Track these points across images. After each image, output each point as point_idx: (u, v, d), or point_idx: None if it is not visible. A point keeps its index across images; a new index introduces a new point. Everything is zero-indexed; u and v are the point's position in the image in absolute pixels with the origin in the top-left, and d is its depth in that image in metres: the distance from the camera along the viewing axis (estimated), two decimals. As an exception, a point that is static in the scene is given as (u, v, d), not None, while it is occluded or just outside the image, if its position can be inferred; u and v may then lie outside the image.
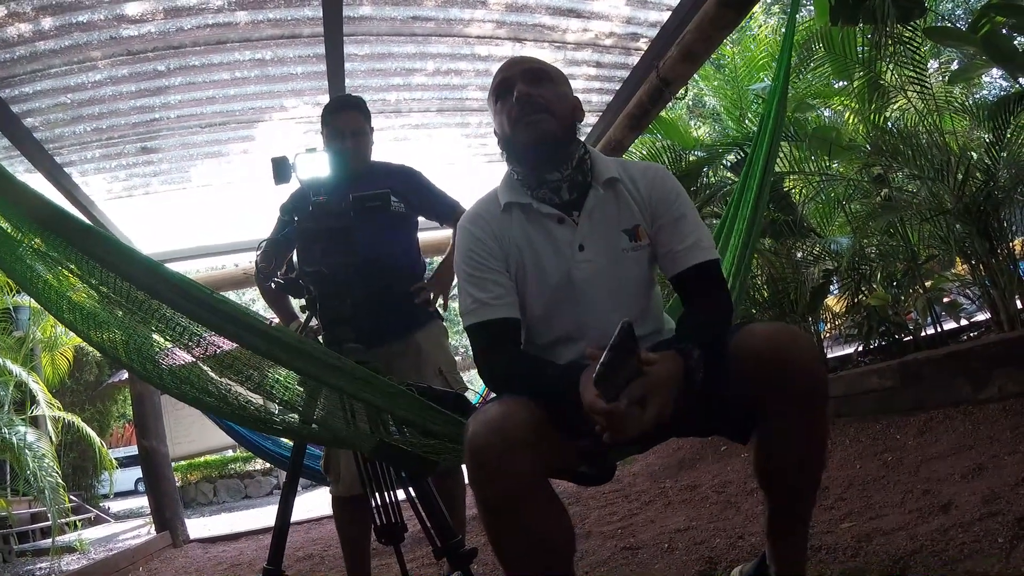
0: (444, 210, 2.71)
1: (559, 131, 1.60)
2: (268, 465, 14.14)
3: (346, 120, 2.58)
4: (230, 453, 14.91)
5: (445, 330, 2.82)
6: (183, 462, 13.34)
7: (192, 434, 10.19)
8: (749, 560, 1.77)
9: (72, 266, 1.66)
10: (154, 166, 4.73)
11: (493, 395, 1.56)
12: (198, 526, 6.76)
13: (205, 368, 1.67)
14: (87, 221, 1.69)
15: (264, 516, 7.24)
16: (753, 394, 1.38)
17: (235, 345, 1.66)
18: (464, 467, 2.62)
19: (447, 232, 2.78)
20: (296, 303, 2.39)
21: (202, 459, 14.17)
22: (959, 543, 1.69)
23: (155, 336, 1.65)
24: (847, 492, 2.45)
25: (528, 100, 1.57)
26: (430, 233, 4.27)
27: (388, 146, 4.86)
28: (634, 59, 4.49)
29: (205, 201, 5.10)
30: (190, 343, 1.61)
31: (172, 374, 1.67)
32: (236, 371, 1.66)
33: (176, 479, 6.58)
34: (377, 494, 2.04)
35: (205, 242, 5.66)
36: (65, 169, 4.37)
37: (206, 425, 8.00)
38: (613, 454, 1.59)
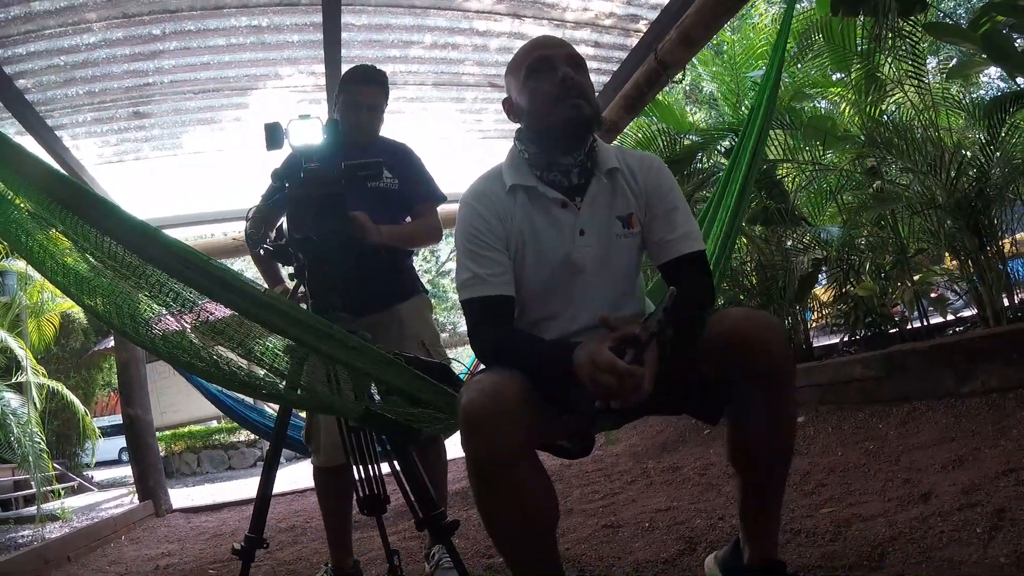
0: (424, 192, 2.68)
1: (593, 118, 1.63)
2: (252, 437, 14.17)
3: (368, 94, 2.59)
4: (214, 424, 14.94)
5: (430, 304, 2.83)
6: (167, 432, 13.35)
7: (177, 404, 10.18)
8: (728, 541, 1.79)
9: (66, 229, 1.66)
10: (146, 131, 4.68)
11: (481, 368, 1.58)
12: (181, 496, 6.77)
13: (196, 335, 1.67)
14: (85, 185, 1.67)
15: (247, 487, 7.25)
16: (722, 375, 1.46)
17: (227, 311, 1.67)
18: (447, 439, 2.65)
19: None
20: (285, 270, 2.37)
21: (186, 429, 14.19)
22: (938, 532, 1.71)
23: (148, 301, 1.64)
24: (828, 479, 2.47)
25: (573, 82, 1.60)
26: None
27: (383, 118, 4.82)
28: (633, 40, 4.48)
29: (197, 168, 5.07)
30: (183, 309, 1.62)
31: (164, 339, 1.67)
32: (227, 337, 1.67)
33: (160, 449, 6.57)
34: (360, 466, 2.04)
35: (196, 210, 5.64)
36: (56, 132, 4.33)
37: (191, 396, 7.99)
38: (594, 428, 1.64)
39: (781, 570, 1.53)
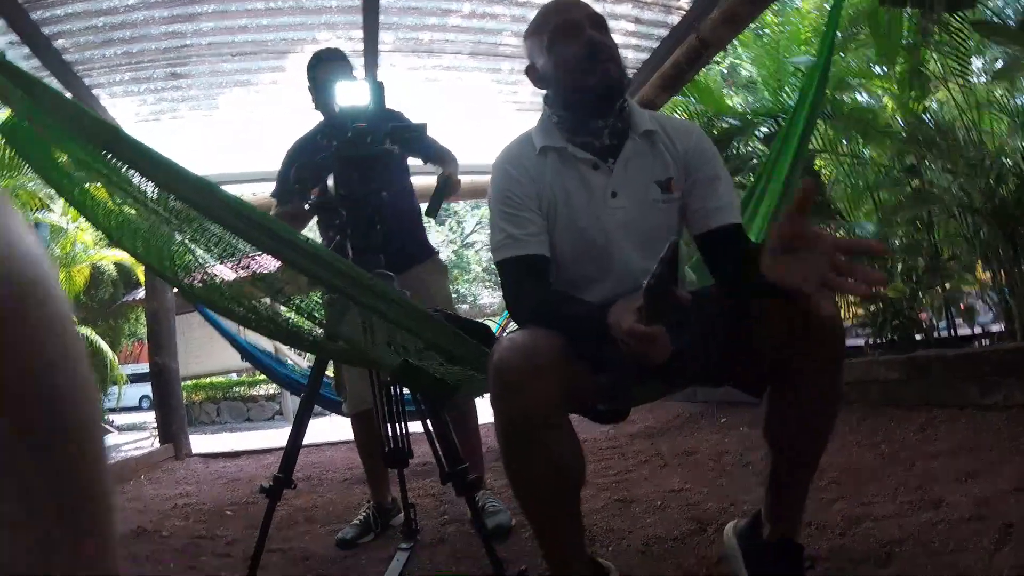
0: (433, 152, 2.71)
1: (622, 79, 1.62)
2: (271, 390, 14.40)
3: (335, 71, 2.58)
4: (235, 376, 15.16)
5: (445, 268, 2.93)
6: (189, 382, 13.57)
7: (201, 356, 10.35)
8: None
9: (110, 175, 1.69)
10: (182, 91, 4.73)
11: (514, 328, 1.59)
12: (201, 442, 6.89)
13: (238, 281, 1.72)
14: (139, 140, 1.70)
15: (265, 438, 7.39)
16: (776, 347, 1.41)
17: (274, 264, 1.70)
18: (483, 397, 2.69)
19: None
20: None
21: (208, 380, 14.41)
22: (945, 538, 1.71)
23: (191, 246, 1.68)
24: (841, 477, 2.47)
25: (599, 44, 1.58)
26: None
27: (419, 86, 4.82)
28: (674, 18, 4.41)
29: (231, 129, 5.10)
30: (224, 255, 1.65)
31: (204, 284, 1.70)
32: (268, 284, 1.70)
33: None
34: (386, 420, 2.11)
35: (228, 170, 5.66)
36: (93, 91, 4.39)
37: (215, 348, 8.11)
38: (632, 393, 1.62)
39: (799, 551, 1.54)
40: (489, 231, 1.69)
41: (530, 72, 1.74)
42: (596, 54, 1.57)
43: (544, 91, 1.72)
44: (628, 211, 1.61)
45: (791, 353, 1.40)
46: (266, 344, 6.13)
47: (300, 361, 7.43)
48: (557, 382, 1.35)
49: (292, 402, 12.20)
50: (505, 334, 1.63)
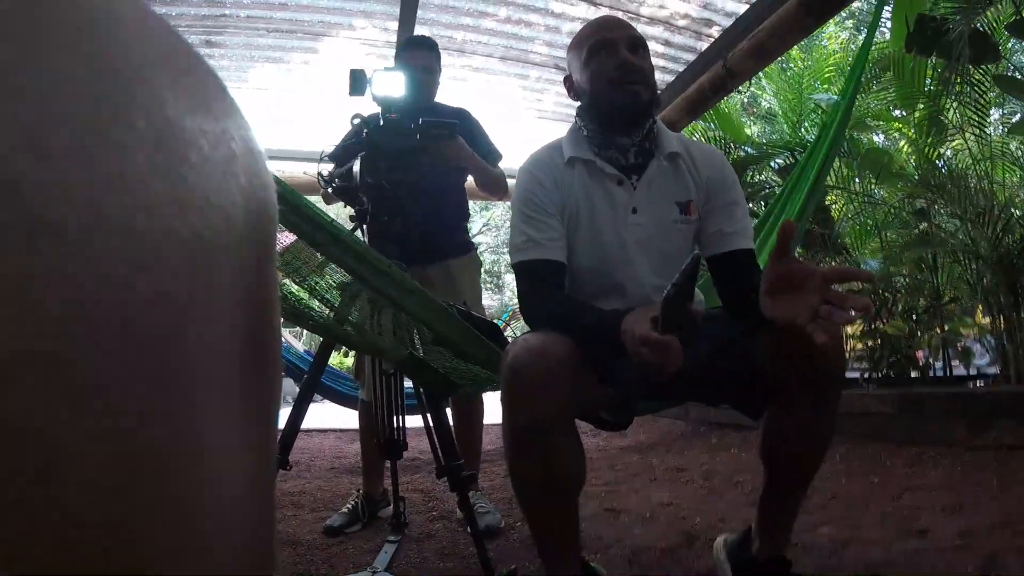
0: (488, 154, 2.80)
1: (651, 102, 1.67)
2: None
3: (421, 57, 2.71)
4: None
5: (479, 264, 2.97)
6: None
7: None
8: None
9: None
10: (215, 61, 4.75)
11: (526, 331, 1.64)
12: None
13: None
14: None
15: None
16: (777, 371, 1.47)
17: (291, 238, 1.73)
18: (486, 393, 2.74)
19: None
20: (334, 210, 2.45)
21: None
22: (930, 564, 1.76)
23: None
24: (830, 503, 2.52)
25: (632, 67, 1.63)
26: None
27: (446, 83, 4.86)
28: (703, 44, 4.49)
29: (259, 104, 5.13)
30: None
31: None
32: (284, 263, 1.74)
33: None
34: (385, 410, 2.12)
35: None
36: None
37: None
38: (635, 403, 1.66)
39: (787, 567, 1.58)
40: (510, 232, 1.74)
41: (567, 82, 1.80)
42: (628, 75, 1.63)
43: (578, 103, 1.78)
44: (646, 228, 1.66)
45: (790, 377, 1.45)
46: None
47: (294, 342, 7.43)
48: (567, 387, 1.39)
49: (284, 384, 12.15)
50: (517, 336, 1.68)
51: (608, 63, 1.65)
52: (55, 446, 0.19)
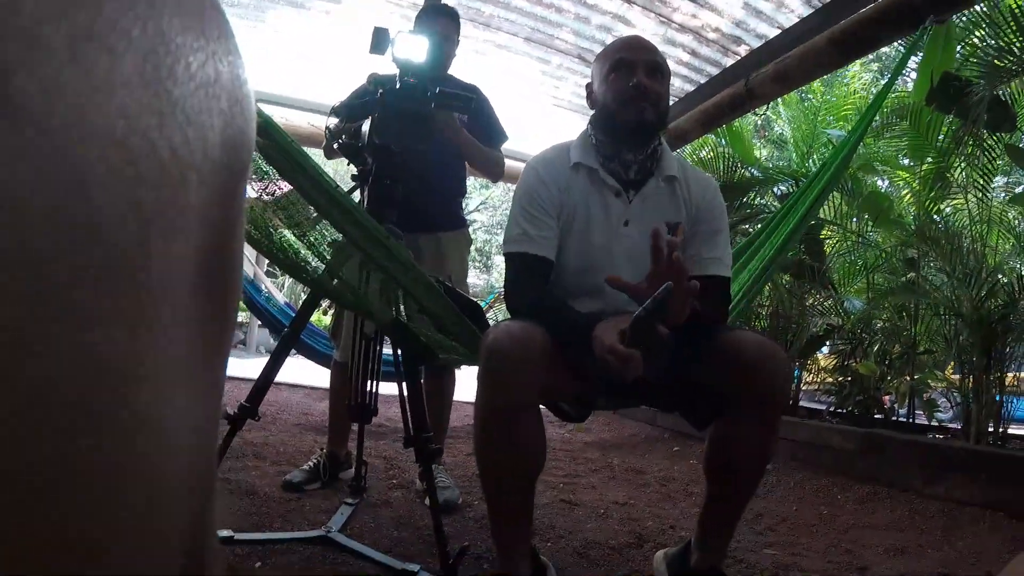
0: (492, 134, 2.83)
1: (657, 123, 1.77)
2: (241, 318, 14.19)
3: (441, 24, 2.70)
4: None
5: (470, 240, 2.99)
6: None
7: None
8: (676, 546, 1.89)
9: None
10: (232, -5, 4.68)
11: (507, 318, 1.69)
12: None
13: (261, 204, 1.75)
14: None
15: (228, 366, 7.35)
16: (725, 390, 1.56)
17: (293, 191, 1.74)
18: (460, 368, 2.75)
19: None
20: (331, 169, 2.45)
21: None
22: (863, 604, 1.81)
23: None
24: (779, 526, 2.57)
25: (645, 89, 1.72)
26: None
27: (467, 56, 4.84)
28: (729, 61, 4.51)
29: (271, 46, 5.04)
30: (253, 176, 1.69)
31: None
32: (288, 215, 1.75)
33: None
34: (359, 374, 2.14)
35: (260, 87, 5.59)
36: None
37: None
38: (596, 401, 1.76)
39: None
40: (507, 224, 1.82)
41: (588, 89, 1.89)
42: (639, 95, 1.72)
43: (593, 111, 1.87)
44: (635, 241, 1.75)
45: (735, 395, 1.55)
46: (246, 267, 6.14)
47: (276, 292, 7.41)
48: (541, 375, 1.48)
49: (259, 335, 12.07)
50: (498, 320, 1.74)
51: (623, 82, 1.74)
52: (16, 343, 0.18)
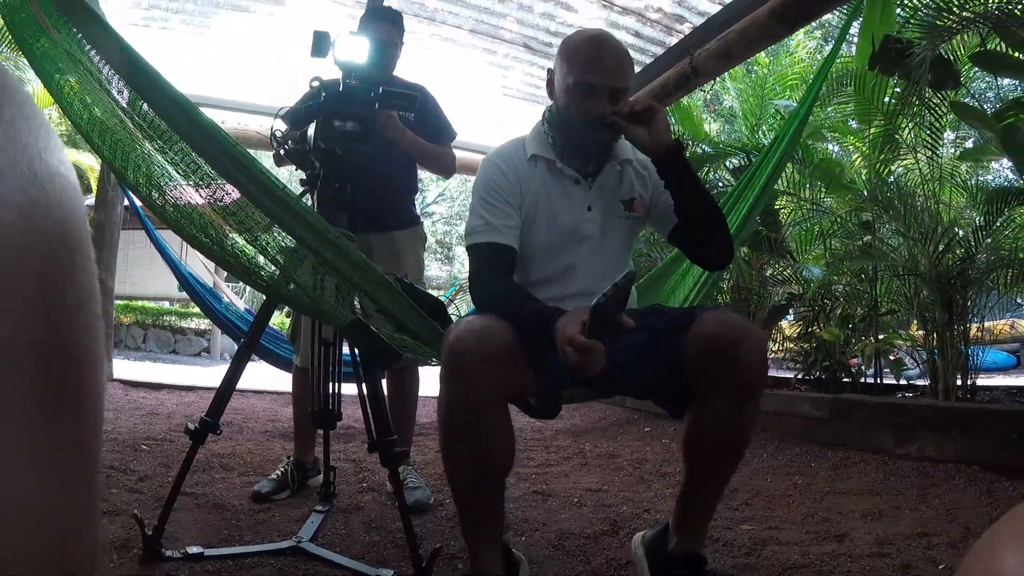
0: (440, 131, 2.81)
1: (614, 141, 1.81)
2: (204, 325, 13.97)
3: (382, 30, 2.67)
4: (167, 305, 14.73)
5: (424, 237, 2.97)
6: (120, 302, 13.16)
7: (137, 277, 10.04)
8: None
9: (92, 70, 1.67)
10: (178, 3, 4.59)
11: (471, 311, 1.67)
12: (122, 367, 6.74)
13: (209, 211, 1.71)
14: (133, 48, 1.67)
15: (190, 374, 7.25)
16: (700, 374, 1.54)
17: (242, 197, 1.70)
18: (423, 367, 2.73)
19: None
20: (286, 175, 2.41)
21: (139, 304, 13.98)
22: (845, 570, 1.81)
23: (168, 167, 1.67)
24: (753, 500, 2.58)
25: (603, 118, 1.70)
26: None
27: (413, 52, 4.79)
28: (672, 40, 4.52)
29: (219, 54, 4.97)
30: (200, 183, 1.66)
31: (176, 208, 1.69)
32: (238, 220, 1.71)
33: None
34: (320, 379, 2.11)
35: (208, 93, 5.50)
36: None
37: (153, 271, 7.88)
38: (562, 395, 1.72)
39: (703, 563, 1.64)
40: (467, 217, 1.82)
41: (549, 77, 1.85)
42: (599, 123, 1.71)
43: (551, 101, 1.85)
44: (598, 223, 1.80)
45: (713, 380, 1.53)
46: (205, 277, 6.04)
47: (236, 300, 7.28)
48: (504, 371, 1.46)
49: (224, 342, 11.91)
50: (459, 314, 1.71)
51: (587, 105, 1.71)
52: None
